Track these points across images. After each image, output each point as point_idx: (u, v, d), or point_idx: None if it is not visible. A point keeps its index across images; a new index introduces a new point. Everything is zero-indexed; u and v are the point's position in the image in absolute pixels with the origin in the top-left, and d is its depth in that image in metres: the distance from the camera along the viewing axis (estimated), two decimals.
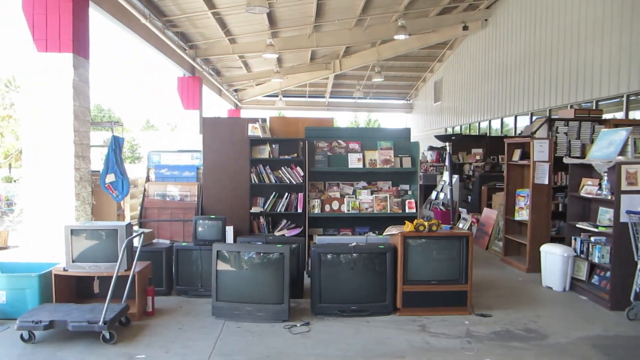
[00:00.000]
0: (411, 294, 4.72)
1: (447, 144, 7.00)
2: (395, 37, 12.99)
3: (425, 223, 4.79)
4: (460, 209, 9.01)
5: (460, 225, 8.64)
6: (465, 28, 14.72)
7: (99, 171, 6.75)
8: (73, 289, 4.86)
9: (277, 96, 23.98)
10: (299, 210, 6.44)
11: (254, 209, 6.44)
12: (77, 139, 6.24)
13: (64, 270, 4.56)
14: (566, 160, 6.01)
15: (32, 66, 6.09)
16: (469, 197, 9.51)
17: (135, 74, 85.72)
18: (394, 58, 18.65)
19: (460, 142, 10.45)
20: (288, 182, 6.49)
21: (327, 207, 6.47)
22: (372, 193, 6.64)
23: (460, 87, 17.65)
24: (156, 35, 10.60)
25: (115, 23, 8.78)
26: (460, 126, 17.65)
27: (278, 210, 6.50)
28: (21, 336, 4.00)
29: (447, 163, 8.59)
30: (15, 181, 14.66)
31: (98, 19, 8.33)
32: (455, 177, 8.90)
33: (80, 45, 6.28)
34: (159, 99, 79.59)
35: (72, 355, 3.83)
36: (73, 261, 4.54)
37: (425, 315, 4.71)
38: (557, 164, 6.55)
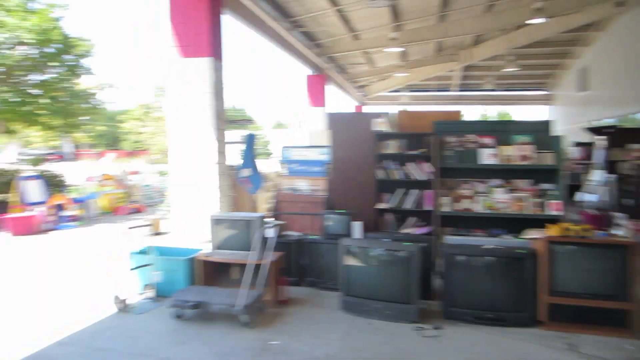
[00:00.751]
0: (558, 307, 4.22)
1: (599, 138, 6.14)
2: (531, 21, 11.80)
3: (575, 227, 4.24)
4: (615, 213, 7.84)
5: (616, 232, 7.52)
6: (619, 4, 12.79)
7: (235, 166, 7.27)
8: (214, 273, 5.28)
9: (402, 91, 23.56)
10: (428, 207, 6.19)
11: (380, 205, 6.36)
12: (218, 136, 6.78)
13: (208, 256, 4.98)
14: None
15: (177, 70, 6.75)
16: (628, 200, 8.23)
17: (267, 75, 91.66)
18: (530, 45, 16.98)
19: (616, 136, 9.11)
20: (416, 178, 6.28)
21: (457, 206, 6.12)
22: (508, 192, 6.11)
23: (613, 74, 15.43)
24: (284, 36, 11.10)
25: (248, 27, 9.38)
26: (613, 118, 15.46)
27: (405, 207, 6.33)
28: (172, 313, 4.47)
29: (598, 160, 7.58)
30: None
31: (232, 23, 9.00)
32: (611, 176, 7.79)
33: (217, 50, 6.80)
34: (289, 97, 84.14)
35: (215, 335, 4.16)
36: (215, 248, 4.94)
37: (574, 333, 4.17)
38: None
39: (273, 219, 6.60)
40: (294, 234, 5.79)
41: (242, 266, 4.68)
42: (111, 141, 41.86)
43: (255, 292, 4.45)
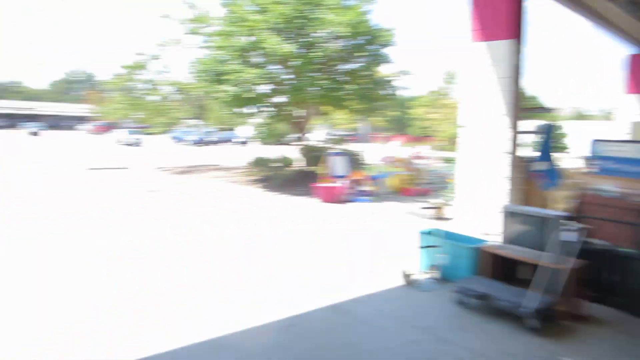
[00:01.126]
0: None
1: None
2: None
3: None
4: None
5: None
6: None
7: (527, 157, 6.73)
8: (500, 267, 5.06)
9: None
10: None
11: None
12: (511, 124, 6.38)
13: (496, 248, 4.81)
14: None
15: (472, 55, 6.56)
16: None
17: (565, 58, 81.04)
18: None
19: None
20: None
21: None
22: None
23: None
24: (603, 8, 9.37)
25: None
26: None
27: None
28: (455, 298, 4.54)
29: None
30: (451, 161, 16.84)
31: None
32: None
33: (519, 31, 6.30)
34: (592, 83, 72.41)
35: (496, 331, 4.03)
36: (505, 242, 4.73)
37: None
38: None
39: (574, 221, 5.85)
40: (599, 242, 4.97)
41: (534, 266, 4.33)
42: (400, 126, 45.26)
43: (547, 298, 4.06)
